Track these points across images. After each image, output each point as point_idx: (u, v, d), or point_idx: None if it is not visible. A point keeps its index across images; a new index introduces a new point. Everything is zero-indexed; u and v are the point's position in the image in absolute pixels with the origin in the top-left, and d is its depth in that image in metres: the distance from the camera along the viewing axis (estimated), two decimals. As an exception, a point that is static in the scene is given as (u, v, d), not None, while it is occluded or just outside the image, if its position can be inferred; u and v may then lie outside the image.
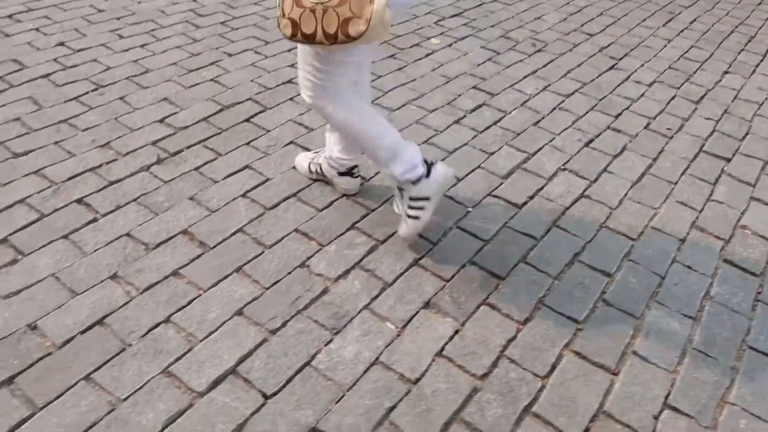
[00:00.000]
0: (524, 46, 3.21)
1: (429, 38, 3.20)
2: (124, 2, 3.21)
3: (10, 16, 2.94)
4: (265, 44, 2.95)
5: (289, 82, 2.65)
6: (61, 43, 2.76)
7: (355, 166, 1.99)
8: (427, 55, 3.02)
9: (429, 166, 1.73)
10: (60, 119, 2.27)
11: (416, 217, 1.75)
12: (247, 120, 2.37)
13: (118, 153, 2.13)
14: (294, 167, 2.13)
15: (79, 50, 2.72)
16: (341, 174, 1.98)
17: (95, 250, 1.74)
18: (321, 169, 2.03)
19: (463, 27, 3.37)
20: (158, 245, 1.78)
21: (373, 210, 1.98)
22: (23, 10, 3.00)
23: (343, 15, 1.36)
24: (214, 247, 1.79)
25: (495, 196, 2.11)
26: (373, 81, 2.71)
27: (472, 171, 2.22)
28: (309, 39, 1.41)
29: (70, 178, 1.99)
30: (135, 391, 1.39)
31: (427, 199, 1.73)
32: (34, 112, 2.29)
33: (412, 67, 2.89)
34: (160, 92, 2.49)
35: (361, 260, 1.79)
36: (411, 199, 1.74)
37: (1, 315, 1.53)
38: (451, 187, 2.12)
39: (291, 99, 2.53)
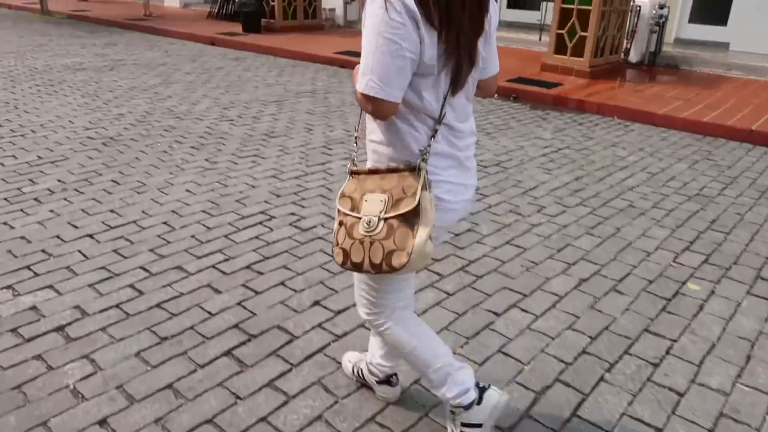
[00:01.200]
0: (761, 289, 2.84)
1: (684, 283, 2.87)
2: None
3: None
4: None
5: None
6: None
7: (394, 374, 1.95)
8: (700, 307, 2.66)
9: (482, 390, 1.71)
10: None
11: None
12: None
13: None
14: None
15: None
16: (380, 382, 1.95)
17: None
18: (362, 373, 1.99)
19: (710, 266, 3.05)
20: None
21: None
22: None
23: (388, 248, 1.42)
24: None
25: None
26: (668, 350, 2.32)
27: None
28: (357, 267, 1.47)
29: None
30: None
31: (478, 425, 1.70)
32: None
33: (699, 326, 2.50)
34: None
35: None
36: (463, 425, 1.71)
37: None
38: None
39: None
